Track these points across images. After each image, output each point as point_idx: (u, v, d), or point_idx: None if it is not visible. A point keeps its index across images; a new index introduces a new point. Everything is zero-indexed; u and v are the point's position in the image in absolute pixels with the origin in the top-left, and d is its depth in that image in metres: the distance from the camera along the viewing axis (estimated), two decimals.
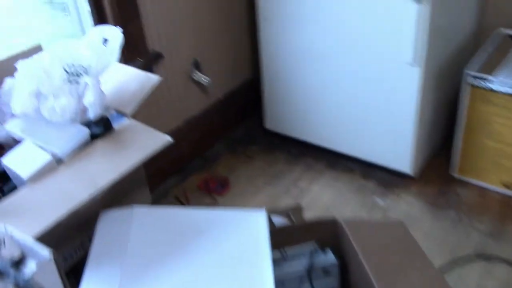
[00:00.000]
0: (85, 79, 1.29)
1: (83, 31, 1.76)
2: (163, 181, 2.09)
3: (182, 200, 2.02)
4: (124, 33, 1.59)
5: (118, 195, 1.43)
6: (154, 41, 1.86)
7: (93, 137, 1.31)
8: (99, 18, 1.71)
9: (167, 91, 1.98)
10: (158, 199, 2.02)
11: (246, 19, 2.19)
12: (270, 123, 2.26)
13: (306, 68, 1.99)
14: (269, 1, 1.95)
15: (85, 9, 1.70)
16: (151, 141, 1.32)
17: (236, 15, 2.18)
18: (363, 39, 1.81)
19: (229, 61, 2.22)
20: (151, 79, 1.46)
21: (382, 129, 1.94)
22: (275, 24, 1.97)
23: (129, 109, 1.40)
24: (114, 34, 1.41)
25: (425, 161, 2.09)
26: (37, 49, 1.47)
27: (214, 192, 2.03)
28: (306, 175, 2.10)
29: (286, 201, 1.98)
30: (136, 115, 1.73)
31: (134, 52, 1.79)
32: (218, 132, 2.28)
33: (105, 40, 1.41)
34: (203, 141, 2.21)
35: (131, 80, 1.47)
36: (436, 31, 1.73)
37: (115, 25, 1.66)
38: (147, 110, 1.79)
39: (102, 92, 1.31)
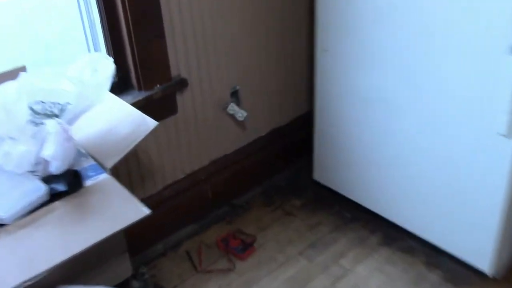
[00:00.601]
0: (47, 125, 1.12)
1: (97, 48, 1.62)
2: (178, 228, 1.94)
3: (193, 259, 1.84)
4: (142, 54, 1.55)
5: (86, 263, 1.27)
6: (180, 65, 1.71)
7: (55, 195, 1.16)
8: (113, 35, 1.58)
9: (193, 123, 1.83)
10: (166, 251, 1.88)
11: (306, 47, 1.99)
12: (320, 174, 2.06)
13: (368, 116, 1.77)
14: (330, 31, 1.75)
15: (97, 21, 1.55)
16: (124, 212, 1.17)
17: (295, 41, 2.00)
18: (444, 98, 1.55)
19: (278, 93, 2.05)
20: (147, 124, 1.31)
21: (458, 210, 1.67)
22: (335, 58, 1.78)
23: (110, 162, 1.26)
24: (105, 65, 1.27)
25: (511, 260, 1.75)
26: (20, 71, 1.33)
27: (234, 253, 1.85)
28: (353, 250, 1.85)
29: (321, 284, 1.73)
30: (149, 149, 1.68)
31: (153, 78, 1.65)
32: (255, 176, 2.10)
33: (95, 72, 1.25)
34: (233, 186, 2.04)
35: (123, 123, 1.32)
36: None
37: (132, 44, 1.57)
38: (166, 144, 1.72)
39: (69, 142, 1.15)
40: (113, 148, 1.26)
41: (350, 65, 1.75)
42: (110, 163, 1.24)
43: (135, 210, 1.15)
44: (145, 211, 1.14)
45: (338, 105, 1.85)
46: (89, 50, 1.64)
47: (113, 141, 1.28)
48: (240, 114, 1.89)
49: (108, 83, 1.28)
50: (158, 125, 1.66)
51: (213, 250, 1.88)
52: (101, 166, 1.25)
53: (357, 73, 1.74)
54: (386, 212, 1.89)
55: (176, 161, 1.84)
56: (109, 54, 1.61)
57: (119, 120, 1.32)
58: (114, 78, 1.60)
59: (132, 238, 1.71)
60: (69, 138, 1.16)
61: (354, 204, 1.98)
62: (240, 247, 1.86)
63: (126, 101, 1.59)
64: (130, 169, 1.71)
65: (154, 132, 1.65)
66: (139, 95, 1.64)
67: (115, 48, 1.61)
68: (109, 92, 1.37)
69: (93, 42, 1.64)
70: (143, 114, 1.31)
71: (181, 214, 1.92)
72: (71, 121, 1.25)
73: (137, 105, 1.59)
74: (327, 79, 1.84)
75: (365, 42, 1.67)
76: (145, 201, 1.70)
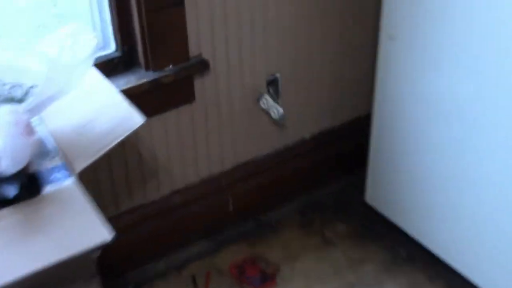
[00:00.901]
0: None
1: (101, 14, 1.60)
2: (186, 244, 1.92)
3: (199, 285, 1.82)
4: (152, 25, 1.56)
5: (41, 285, 1.24)
6: (202, 42, 1.66)
7: (3, 201, 1.11)
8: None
9: (215, 116, 1.79)
10: (168, 272, 1.85)
11: (372, 34, 1.90)
12: (373, 197, 1.99)
13: (440, 130, 1.67)
14: (400, 12, 1.65)
15: None
16: (82, 232, 1.10)
17: (359, 25, 1.94)
18: None
19: (331, 87, 1.99)
20: (132, 120, 1.23)
21: None
22: (404, 49, 1.69)
23: (80, 165, 1.19)
24: (86, 40, 1.21)
25: None
26: None
27: (249, 284, 1.81)
28: None
29: None
30: (155, 143, 1.70)
31: (165, 56, 1.61)
32: (291, 188, 2.06)
33: (73, 48, 1.21)
34: (262, 198, 2.01)
35: (103, 116, 1.26)
36: None
37: (140, 10, 1.54)
38: (177, 139, 1.74)
39: (25, 136, 1.09)
40: (85, 148, 1.20)
41: (422, 60, 1.65)
42: (79, 166, 1.18)
43: (95, 233, 1.09)
44: (107, 236, 1.08)
45: (403, 110, 1.76)
46: (92, 17, 1.61)
47: (87, 139, 1.21)
48: (275, 110, 1.81)
49: (89, 63, 1.22)
50: (171, 114, 1.69)
51: (225, 277, 1.84)
52: (70, 168, 1.20)
53: (429, 71, 1.64)
54: (453, 257, 1.78)
55: (189, 161, 1.80)
56: (113, 21, 1.58)
57: (98, 112, 1.26)
58: (117, 52, 1.64)
59: (128, 251, 1.73)
60: (27, 132, 1.11)
61: (413, 241, 1.88)
62: (258, 278, 1.82)
63: (129, 82, 1.60)
64: (128, 165, 1.70)
65: (162, 122, 1.69)
66: (146, 76, 1.60)
67: (120, 14, 1.57)
68: (95, 72, 1.33)
69: (98, 6, 1.60)
70: (130, 107, 1.25)
71: (192, 228, 1.90)
72: (37, 109, 1.20)
73: (142, 88, 1.59)
74: (391, 76, 1.75)
75: (446, 32, 1.55)
76: (147, 207, 1.78)
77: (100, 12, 1.60)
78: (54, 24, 1.60)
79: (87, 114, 1.27)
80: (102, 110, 1.28)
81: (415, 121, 1.74)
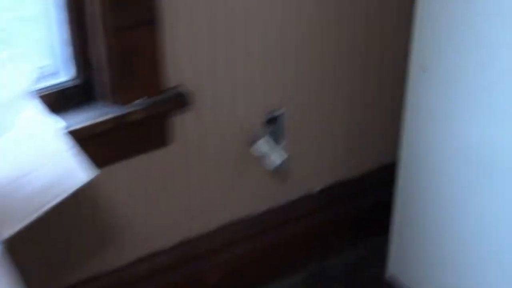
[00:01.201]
0: None
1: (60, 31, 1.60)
2: None
3: None
4: (117, 47, 1.57)
5: None
6: (181, 70, 1.68)
7: None
8: (72, 12, 1.55)
9: (196, 163, 1.80)
10: None
11: (403, 66, 1.94)
12: (398, 270, 2.00)
13: (484, 190, 1.68)
14: (434, 40, 1.68)
15: None
16: None
17: (386, 55, 1.99)
18: None
19: (348, 129, 2.02)
20: (75, 176, 1.22)
21: None
22: (437, 84, 1.71)
23: (6, 231, 1.16)
24: (24, 72, 1.20)
25: None
26: None
27: None
28: None
29: None
30: (116, 195, 1.72)
31: (132, 87, 1.62)
32: (293, 256, 2.07)
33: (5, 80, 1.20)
34: (255, 268, 2.01)
35: (39, 169, 1.22)
36: None
37: (96, 32, 1.57)
38: (145, 191, 1.77)
39: None
40: (17, 209, 1.17)
41: (459, 100, 1.67)
42: (5, 233, 1.15)
43: None
44: None
45: (435, 161, 1.78)
46: (48, 32, 1.62)
47: (20, 197, 1.18)
48: (276, 156, 1.82)
49: (26, 100, 1.20)
50: (140, 160, 1.69)
51: None
52: None
53: (468, 114, 1.66)
54: None
55: (160, 220, 1.81)
56: (68, 41, 1.58)
57: (37, 162, 1.22)
58: (74, 80, 1.62)
59: None
60: None
61: None
62: None
63: (88, 118, 1.60)
64: (82, 223, 1.70)
65: (128, 170, 1.69)
66: (109, 112, 1.60)
67: (76, 32, 1.57)
68: (36, 109, 1.29)
69: (57, 23, 1.60)
70: (74, 158, 1.23)
71: None
72: None
73: (104, 126, 1.59)
74: (423, 115, 1.78)
75: (488, 66, 1.57)
76: (104, 278, 1.76)
77: (58, 26, 1.60)
78: (16, 28, 1.63)
79: (22, 164, 1.23)
80: (42, 160, 1.24)
81: (454, 174, 1.75)
